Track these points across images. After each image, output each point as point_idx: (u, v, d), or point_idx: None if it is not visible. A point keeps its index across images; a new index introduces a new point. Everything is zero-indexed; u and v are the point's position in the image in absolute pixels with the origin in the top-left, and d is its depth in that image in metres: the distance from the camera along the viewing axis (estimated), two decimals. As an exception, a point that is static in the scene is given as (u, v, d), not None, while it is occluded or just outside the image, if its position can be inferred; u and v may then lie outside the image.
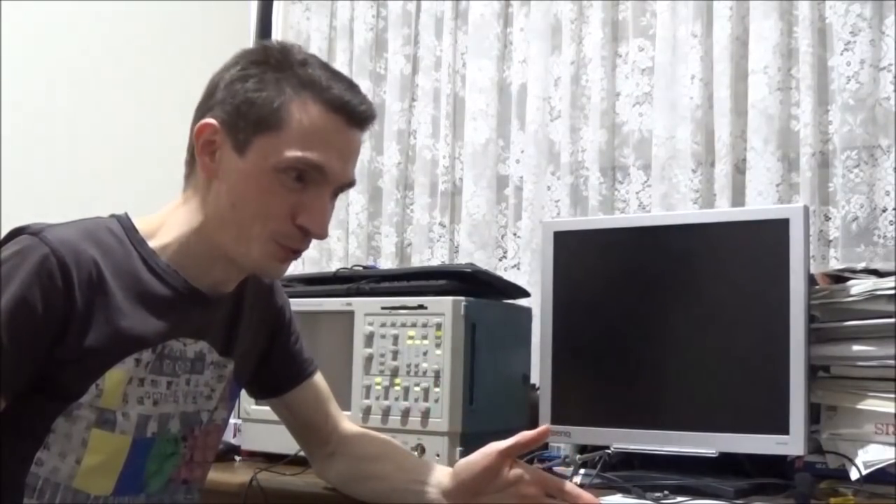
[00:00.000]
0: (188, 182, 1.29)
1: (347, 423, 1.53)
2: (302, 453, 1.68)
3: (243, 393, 1.93)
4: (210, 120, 1.23)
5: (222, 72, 1.26)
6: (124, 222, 1.27)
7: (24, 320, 1.13)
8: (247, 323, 1.39)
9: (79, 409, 1.19)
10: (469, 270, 1.85)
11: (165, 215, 1.30)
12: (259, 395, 1.53)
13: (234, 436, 1.99)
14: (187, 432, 1.32)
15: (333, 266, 2.43)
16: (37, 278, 1.14)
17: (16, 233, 1.19)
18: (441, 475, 1.37)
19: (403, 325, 1.75)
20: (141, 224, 1.28)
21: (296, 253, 1.27)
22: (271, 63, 1.23)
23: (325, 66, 1.26)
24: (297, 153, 1.21)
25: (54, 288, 1.15)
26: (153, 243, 1.26)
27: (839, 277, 1.66)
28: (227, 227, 1.24)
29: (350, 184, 1.30)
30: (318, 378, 1.52)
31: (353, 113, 1.24)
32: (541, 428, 1.34)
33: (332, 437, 1.50)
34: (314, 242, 2.78)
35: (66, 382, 1.19)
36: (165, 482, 1.31)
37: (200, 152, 1.24)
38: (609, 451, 1.52)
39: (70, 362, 1.18)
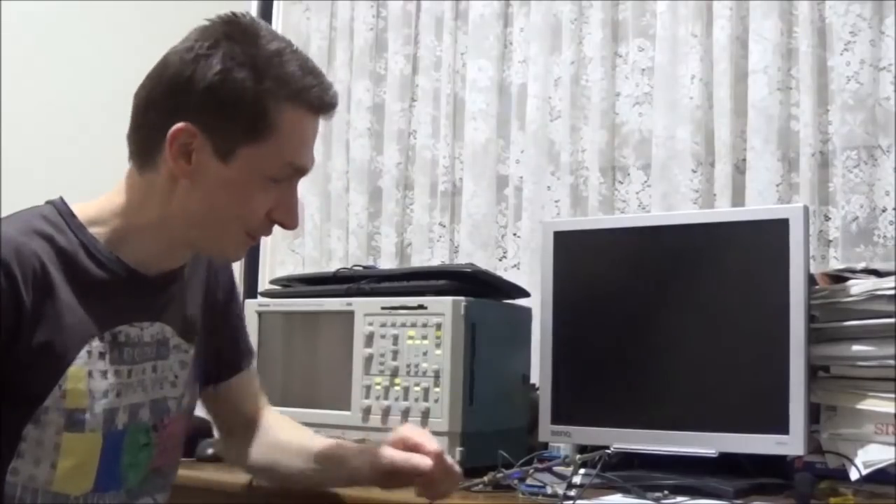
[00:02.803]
0: (141, 171, 1.25)
1: (269, 407, 1.54)
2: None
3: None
4: (187, 124, 1.19)
5: (192, 63, 1.19)
6: (61, 207, 1.25)
7: None
8: (194, 301, 1.38)
9: (46, 414, 1.18)
10: (469, 270, 1.85)
11: (107, 201, 1.28)
12: (207, 382, 1.46)
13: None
14: (157, 421, 1.31)
15: (333, 266, 2.43)
16: None
17: None
18: (358, 461, 1.37)
19: (403, 325, 1.75)
20: (80, 210, 1.26)
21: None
22: (248, 63, 1.19)
23: (295, 53, 1.24)
24: (288, 161, 1.23)
25: None
26: (94, 230, 1.25)
27: (839, 277, 1.66)
28: (199, 226, 1.25)
29: None
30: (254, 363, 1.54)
31: (328, 107, 1.27)
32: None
33: (258, 423, 1.50)
34: (313, 242, 2.79)
35: (28, 384, 1.17)
36: (143, 475, 1.30)
37: (175, 155, 1.20)
38: (609, 451, 1.51)
39: (27, 363, 1.16)
